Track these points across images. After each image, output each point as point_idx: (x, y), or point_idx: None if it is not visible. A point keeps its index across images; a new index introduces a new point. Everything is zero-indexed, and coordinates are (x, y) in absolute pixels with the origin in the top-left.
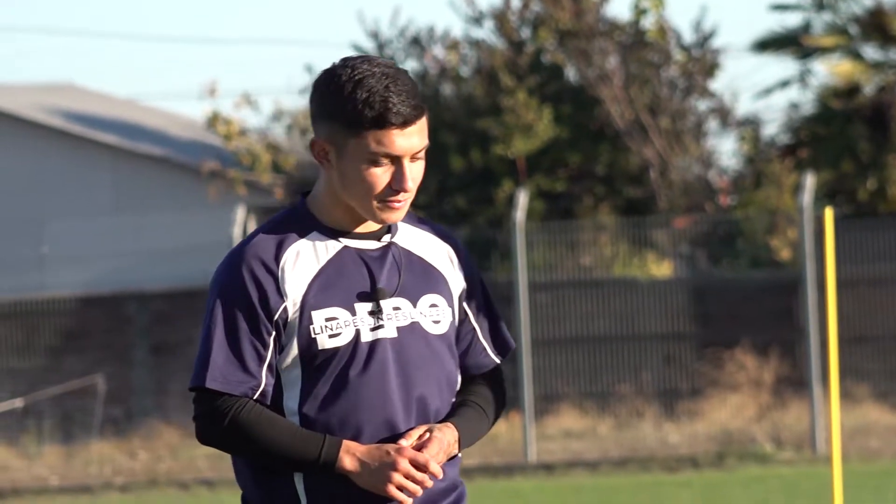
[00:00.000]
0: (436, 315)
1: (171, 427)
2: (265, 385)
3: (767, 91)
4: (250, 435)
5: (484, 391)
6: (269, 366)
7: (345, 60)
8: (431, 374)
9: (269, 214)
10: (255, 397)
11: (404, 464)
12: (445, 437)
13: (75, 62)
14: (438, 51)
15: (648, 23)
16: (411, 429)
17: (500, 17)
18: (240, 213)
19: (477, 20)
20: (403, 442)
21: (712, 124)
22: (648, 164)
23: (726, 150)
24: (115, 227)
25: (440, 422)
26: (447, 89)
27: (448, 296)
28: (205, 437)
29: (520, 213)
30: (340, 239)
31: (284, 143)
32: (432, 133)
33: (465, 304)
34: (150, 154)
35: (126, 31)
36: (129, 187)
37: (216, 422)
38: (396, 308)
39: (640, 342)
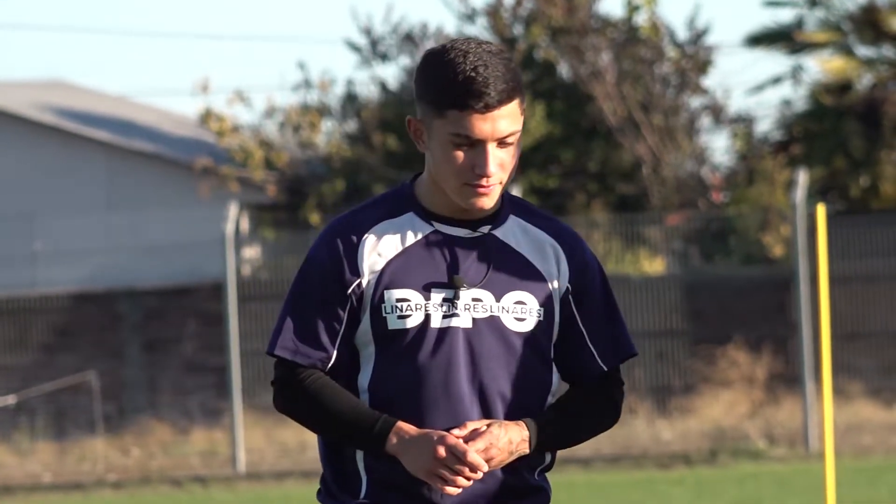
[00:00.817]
0: (520, 312)
1: (164, 424)
2: (336, 358)
3: (760, 88)
4: (313, 405)
5: (583, 396)
6: (344, 339)
7: (448, 42)
8: (507, 370)
9: (261, 211)
10: (325, 370)
11: (442, 451)
12: (505, 434)
13: (67, 58)
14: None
15: (641, 19)
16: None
17: (493, 14)
18: (232, 209)
19: (469, 17)
20: (456, 431)
21: (705, 121)
22: (641, 161)
23: (719, 146)
24: (107, 223)
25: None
26: None
27: (541, 294)
28: (276, 402)
29: None
30: (433, 223)
31: (277, 139)
32: None
33: (572, 306)
34: (143, 150)
35: (118, 27)
36: (122, 184)
37: (285, 389)
38: (477, 299)
39: (632, 338)
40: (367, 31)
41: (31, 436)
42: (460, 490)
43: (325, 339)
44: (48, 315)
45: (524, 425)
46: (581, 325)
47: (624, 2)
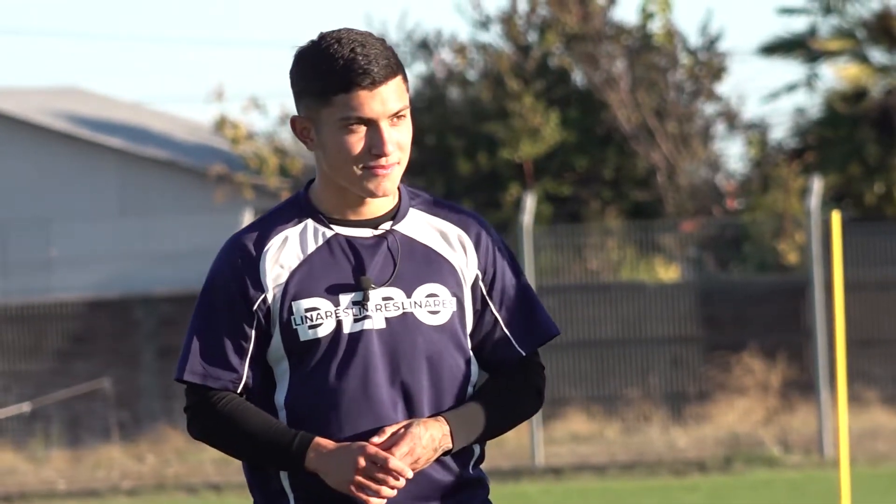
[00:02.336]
0: (434, 305)
1: (179, 431)
2: (247, 378)
3: (774, 95)
4: (228, 429)
5: (502, 384)
6: (253, 359)
7: (318, 35)
8: (427, 366)
9: None
10: (238, 391)
11: (362, 461)
12: (426, 433)
13: (81, 65)
14: (446, 54)
15: (655, 26)
16: (388, 425)
17: (507, 21)
18: (247, 216)
19: (484, 24)
20: (375, 439)
21: (719, 128)
22: (656, 168)
23: (733, 153)
24: (122, 230)
25: (441, 412)
26: (454, 93)
27: (453, 284)
28: (190, 429)
29: (527, 217)
30: (333, 226)
31: (291, 146)
32: (440, 137)
33: (483, 293)
34: (157, 158)
35: (133, 34)
36: (136, 191)
37: (199, 414)
38: (387, 298)
39: (647, 346)
40: (382, 38)
41: (45, 443)
42: (385, 500)
43: (234, 359)
44: (63, 322)
45: (444, 420)
46: (494, 310)
47: (638, 9)
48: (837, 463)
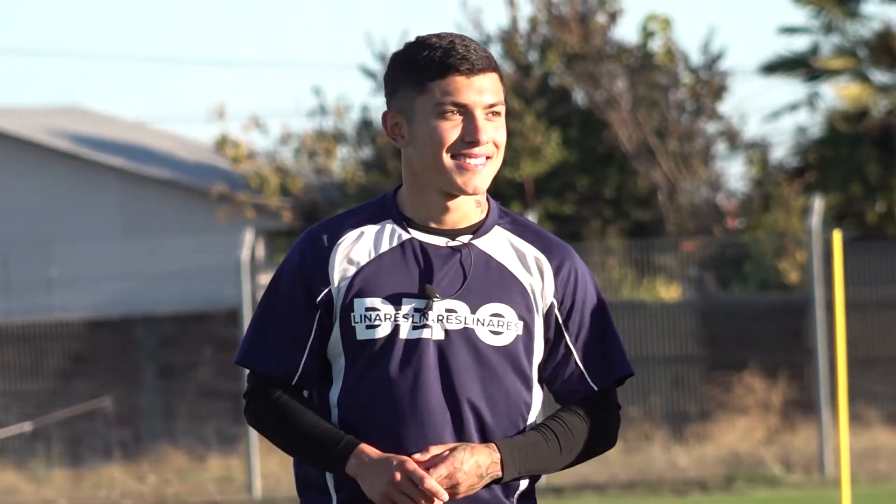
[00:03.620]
0: (497, 325)
1: (180, 450)
2: (304, 369)
3: (776, 114)
4: (280, 421)
5: (568, 418)
6: (312, 351)
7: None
8: (481, 385)
9: (276, 238)
10: (293, 382)
11: (398, 476)
12: (471, 459)
13: (82, 84)
14: None
15: (656, 45)
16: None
17: (508, 41)
18: (248, 236)
19: (484, 43)
20: (417, 456)
21: (720, 147)
22: (656, 187)
23: (734, 172)
24: (123, 249)
25: (490, 441)
26: None
27: (522, 308)
28: (246, 415)
29: None
30: (411, 230)
31: (293, 166)
32: None
33: (559, 322)
34: (158, 177)
35: (134, 53)
36: (137, 210)
37: (254, 402)
38: (451, 310)
39: (648, 365)
40: (383, 57)
41: (46, 462)
42: None
43: (292, 349)
44: (64, 341)
45: (495, 447)
46: (569, 342)
47: (639, 28)
48: (839, 482)
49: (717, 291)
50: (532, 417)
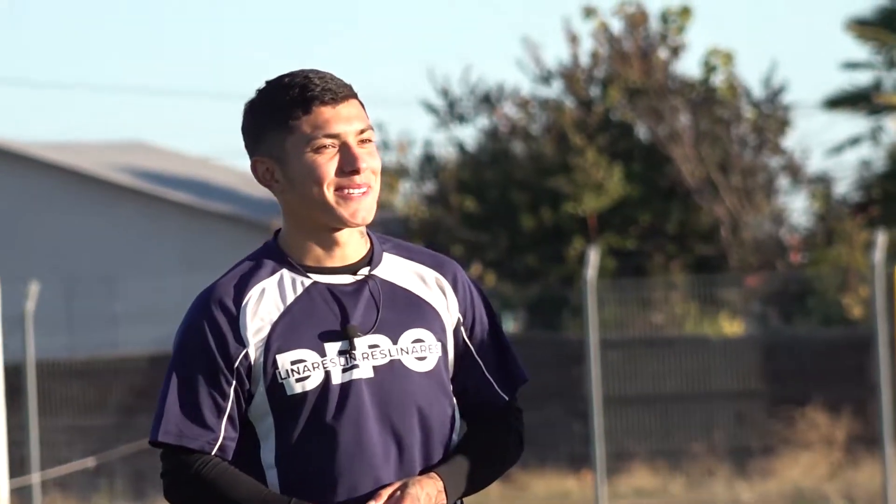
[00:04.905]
0: (420, 351)
1: None
2: (224, 439)
3: (838, 148)
4: (211, 496)
5: (488, 432)
6: (231, 418)
7: (263, 83)
8: (417, 415)
9: None
10: (213, 452)
11: None
12: (422, 492)
13: (146, 120)
14: (508, 108)
15: (718, 80)
16: (383, 487)
17: (569, 76)
18: None
19: (545, 79)
20: (371, 503)
21: (783, 182)
22: (719, 222)
23: (797, 207)
24: (185, 284)
25: (432, 466)
26: (517, 147)
27: (438, 329)
28: (168, 497)
29: (591, 271)
30: (310, 275)
31: None
32: (503, 191)
33: (464, 337)
34: (221, 212)
35: (197, 89)
36: (200, 245)
37: (178, 480)
38: (373, 346)
39: (711, 400)
40: (445, 93)
41: (110, 498)
42: None
43: (210, 418)
44: (127, 376)
45: (437, 476)
46: (476, 355)
47: (701, 62)
48: None
49: (780, 326)
50: (455, 436)
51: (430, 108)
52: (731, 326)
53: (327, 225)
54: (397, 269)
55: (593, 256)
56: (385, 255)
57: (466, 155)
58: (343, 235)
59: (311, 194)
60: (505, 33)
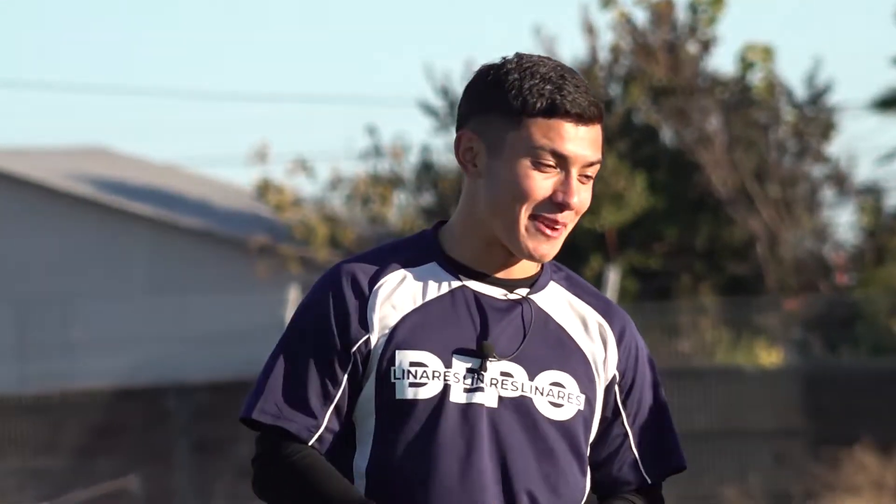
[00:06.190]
0: (557, 396)
1: None
2: (326, 429)
3: (889, 156)
4: (299, 489)
5: None
6: (338, 409)
7: (509, 56)
8: (537, 465)
9: None
10: (311, 442)
11: None
12: None
13: (107, 123)
14: None
15: (755, 78)
16: None
17: (587, 73)
18: (293, 293)
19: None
20: None
21: (828, 193)
22: (755, 238)
23: (843, 221)
24: (152, 309)
25: None
26: None
27: (584, 379)
28: (255, 486)
29: (610, 293)
30: (461, 276)
31: (343, 214)
32: None
33: (618, 399)
34: (192, 227)
35: (165, 88)
36: (169, 264)
37: (268, 467)
38: (506, 374)
39: (746, 439)
40: (445, 92)
41: None
42: None
43: (315, 403)
44: (85, 412)
45: None
46: (626, 423)
47: (736, 58)
48: None
49: (824, 356)
50: None
51: (429, 110)
52: (769, 356)
53: (502, 242)
54: (559, 303)
55: (613, 277)
56: (552, 283)
57: None
58: None
59: (504, 204)
60: (514, 23)
